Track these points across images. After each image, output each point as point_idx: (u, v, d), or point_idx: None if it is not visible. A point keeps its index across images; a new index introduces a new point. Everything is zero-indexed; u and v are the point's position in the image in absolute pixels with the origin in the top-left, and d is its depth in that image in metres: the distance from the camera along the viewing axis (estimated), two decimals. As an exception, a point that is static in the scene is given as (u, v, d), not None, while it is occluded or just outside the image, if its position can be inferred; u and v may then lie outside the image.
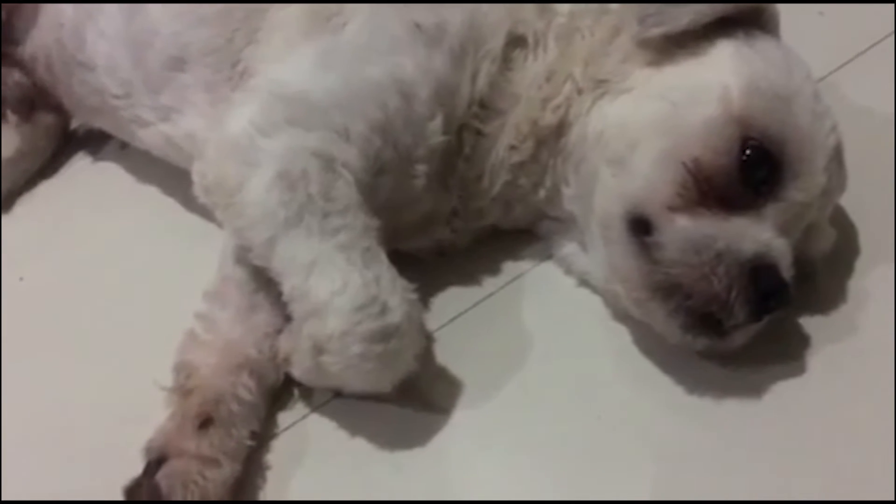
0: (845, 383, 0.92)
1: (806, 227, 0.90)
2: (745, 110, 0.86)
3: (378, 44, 0.92)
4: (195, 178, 0.92)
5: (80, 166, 1.24)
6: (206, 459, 0.86)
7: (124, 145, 1.20)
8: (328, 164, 0.87)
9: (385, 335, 0.83)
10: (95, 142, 1.23)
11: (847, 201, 0.98)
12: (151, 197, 1.17)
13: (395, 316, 0.84)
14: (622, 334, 0.97)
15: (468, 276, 1.03)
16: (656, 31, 0.90)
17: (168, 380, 0.92)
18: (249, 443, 0.90)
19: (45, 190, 1.22)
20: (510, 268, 1.04)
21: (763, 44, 0.91)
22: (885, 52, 1.21)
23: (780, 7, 0.94)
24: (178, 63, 1.02)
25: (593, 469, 0.88)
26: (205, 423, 0.87)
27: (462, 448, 0.91)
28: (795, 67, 0.90)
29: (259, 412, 0.92)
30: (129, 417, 0.92)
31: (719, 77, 0.88)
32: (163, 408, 0.91)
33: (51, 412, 0.96)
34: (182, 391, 0.90)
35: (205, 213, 0.97)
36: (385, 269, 0.85)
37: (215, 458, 0.86)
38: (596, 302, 1.00)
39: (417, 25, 0.92)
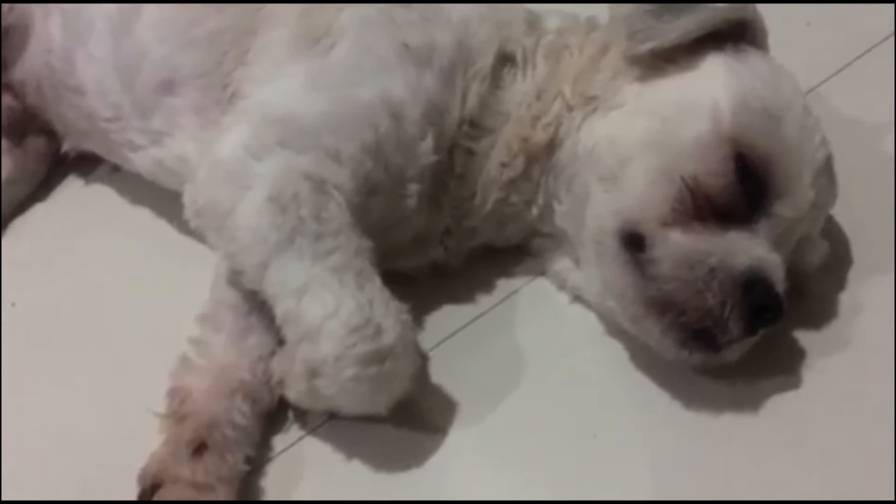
0: (840, 396, 0.92)
1: (798, 240, 0.90)
2: (736, 126, 0.86)
3: (367, 65, 0.92)
4: (186, 201, 0.92)
5: (73, 189, 1.23)
6: (200, 486, 0.85)
7: (116, 168, 1.19)
8: (320, 185, 0.87)
9: (379, 357, 0.83)
10: (87, 164, 1.22)
11: (839, 212, 0.98)
12: (144, 219, 1.16)
13: (389, 338, 0.83)
14: (617, 350, 0.97)
15: (462, 295, 1.03)
16: (645, 47, 0.90)
17: (162, 405, 0.92)
18: (244, 467, 0.89)
19: (38, 214, 1.21)
20: (504, 285, 1.04)
21: (752, 58, 0.91)
22: (875, 61, 1.21)
23: (768, 18, 0.94)
24: (168, 86, 1.01)
25: (591, 486, 0.88)
26: (199, 448, 0.87)
27: (458, 467, 0.90)
28: (784, 82, 0.90)
29: (253, 436, 0.91)
30: (123, 443, 0.92)
31: (709, 92, 0.88)
32: (157, 433, 0.90)
33: (43, 439, 0.95)
34: (176, 417, 0.90)
35: (198, 234, 0.96)
36: (378, 291, 0.85)
37: (210, 485, 0.85)
38: (590, 318, 1.00)
39: (406, 46, 0.92)
